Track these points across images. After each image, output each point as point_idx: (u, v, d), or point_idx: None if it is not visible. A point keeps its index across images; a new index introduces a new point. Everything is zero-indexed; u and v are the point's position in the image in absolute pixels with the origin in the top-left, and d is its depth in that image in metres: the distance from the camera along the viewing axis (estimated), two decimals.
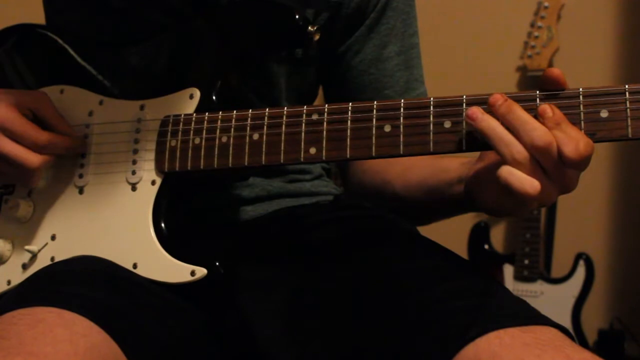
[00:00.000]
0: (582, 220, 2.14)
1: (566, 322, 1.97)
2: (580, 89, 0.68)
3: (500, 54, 2.17)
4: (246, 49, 0.86)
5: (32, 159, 0.82)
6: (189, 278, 0.78)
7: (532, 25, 2.08)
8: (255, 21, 0.86)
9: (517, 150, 0.66)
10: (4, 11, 2.12)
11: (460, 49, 2.21)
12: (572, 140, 0.65)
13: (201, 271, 0.78)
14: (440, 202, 0.87)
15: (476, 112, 0.68)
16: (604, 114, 0.66)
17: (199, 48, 0.88)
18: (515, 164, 0.66)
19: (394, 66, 0.98)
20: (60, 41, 0.95)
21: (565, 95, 0.68)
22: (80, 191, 0.87)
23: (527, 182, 0.66)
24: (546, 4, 2.05)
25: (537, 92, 0.69)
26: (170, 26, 0.90)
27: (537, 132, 0.65)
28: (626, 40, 2.10)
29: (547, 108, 0.67)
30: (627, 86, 0.66)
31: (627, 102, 0.66)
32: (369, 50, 0.97)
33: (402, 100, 0.73)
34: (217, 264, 0.78)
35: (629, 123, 0.65)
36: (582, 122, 0.67)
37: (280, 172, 0.98)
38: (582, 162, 0.66)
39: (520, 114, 0.67)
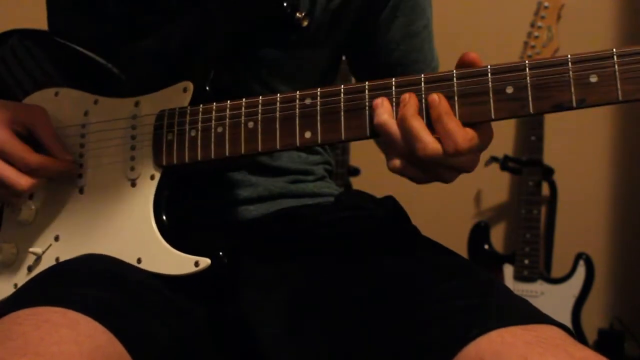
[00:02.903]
0: (582, 220, 2.15)
1: (566, 322, 1.97)
2: (569, 56, 0.68)
3: (501, 54, 2.16)
4: (236, 38, 0.86)
5: (22, 182, 0.82)
6: (193, 269, 0.78)
7: (532, 25, 2.08)
8: (244, 10, 0.86)
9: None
10: (4, 11, 2.12)
11: (460, 48, 2.20)
12: (449, 138, 0.69)
13: (205, 261, 0.78)
14: None
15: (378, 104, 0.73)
16: (593, 78, 0.67)
17: (190, 41, 0.88)
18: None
19: (422, 40, 1.01)
20: (60, 40, 0.94)
21: (554, 62, 0.68)
22: (81, 191, 0.87)
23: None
24: (546, 4, 2.05)
25: (526, 61, 0.69)
26: (163, 25, 0.90)
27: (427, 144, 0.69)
28: (626, 40, 2.10)
29: (435, 97, 0.71)
30: (614, 50, 0.66)
31: (616, 65, 0.66)
32: (396, 29, 0.99)
33: (394, 79, 0.74)
34: (221, 253, 0.78)
35: (619, 86, 0.65)
36: (572, 88, 0.67)
37: (283, 173, 0.98)
38: (464, 153, 0.69)
39: (415, 125, 0.70)
